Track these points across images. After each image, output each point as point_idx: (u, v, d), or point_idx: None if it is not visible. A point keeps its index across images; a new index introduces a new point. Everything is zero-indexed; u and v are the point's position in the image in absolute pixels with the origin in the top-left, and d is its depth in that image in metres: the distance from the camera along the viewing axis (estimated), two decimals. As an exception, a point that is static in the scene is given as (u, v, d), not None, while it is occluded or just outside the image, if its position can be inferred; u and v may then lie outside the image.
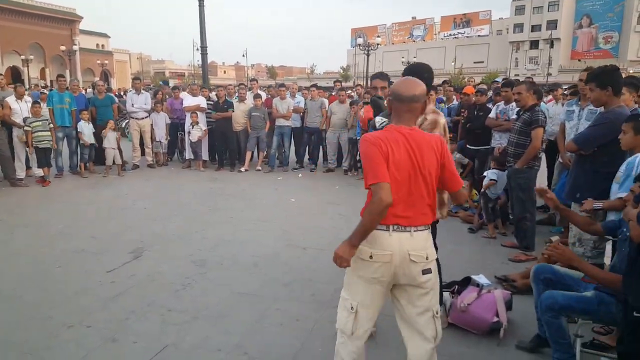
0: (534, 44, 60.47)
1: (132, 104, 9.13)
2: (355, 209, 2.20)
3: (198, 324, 3.16)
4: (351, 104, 8.57)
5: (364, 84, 20.54)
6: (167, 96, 10.31)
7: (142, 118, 9.18)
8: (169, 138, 9.68)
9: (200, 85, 11.39)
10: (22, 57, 43.69)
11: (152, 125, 9.29)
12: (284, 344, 2.92)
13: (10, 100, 7.52)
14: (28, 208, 6.30)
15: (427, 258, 2.03)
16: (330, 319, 3.18)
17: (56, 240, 4.92)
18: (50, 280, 3.91)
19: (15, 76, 47.48)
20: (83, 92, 9.43)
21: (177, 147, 10.23)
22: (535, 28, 59.85)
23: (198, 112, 9.10)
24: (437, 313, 2.09)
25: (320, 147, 9.52)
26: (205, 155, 9.42)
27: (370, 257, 2.01)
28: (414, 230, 2.01)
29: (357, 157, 8.92)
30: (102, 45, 63.84)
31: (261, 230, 5.34)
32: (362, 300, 2.07)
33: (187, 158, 9.52)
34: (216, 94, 9.58)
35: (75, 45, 48.91)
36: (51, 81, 40.69)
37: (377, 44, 35.27)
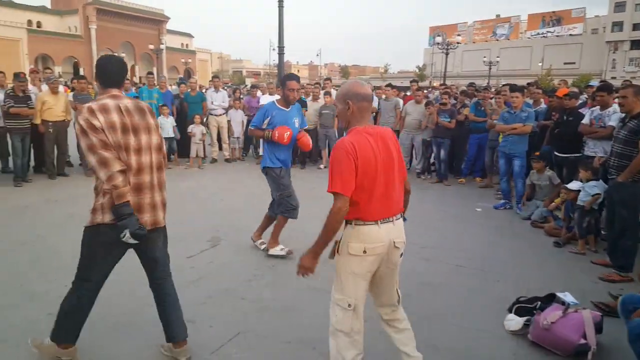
0: (635, 44, 55.41)
1: (212, 101, 9.63)
2: (424, 213, 2.18)
3: (269, 315, 3.28)
4: (427, 104, 8.40)
5: (441, 84, 20.02)
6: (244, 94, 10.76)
7: (220, 114, 9.65)
8: (244, 134, 10.09)
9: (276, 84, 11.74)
10: (115, 54, 47.56)
11: (229, 121, 9.74)
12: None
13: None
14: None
15: (403, 242, 2.29)
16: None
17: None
18: (134, 263, 4.22)
19: (108, 72, 51.87)
20: (169, 88, 10.10)
21: (252, 143, 10.62)
22: (637, 27, 54.82)
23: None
24: (397, 283, 2.40)
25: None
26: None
27: (364, 251, 2.16)
28: (395, 220, 2.24)
29: (431, 160, 8.74)
30: (187, 45, 67.85)
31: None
32: (358, 295, 2.22)
33: (261, 154, 9.84)
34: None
35: (162, 44, 52.38)
36: (140, 77, 43.89)
37: (457, 43, 34.12)
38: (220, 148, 10.02)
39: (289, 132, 4.13)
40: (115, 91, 2.46)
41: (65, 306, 2.51)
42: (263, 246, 4.55)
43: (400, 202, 2.29)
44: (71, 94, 8.06)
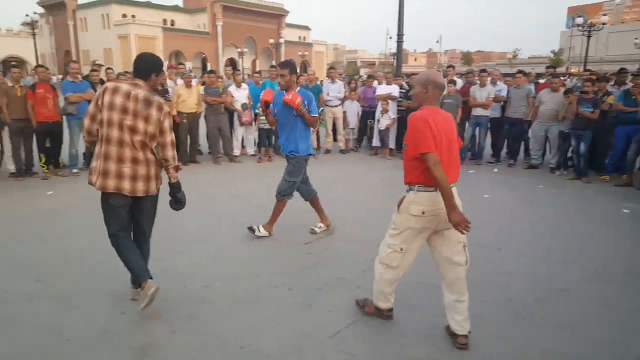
0: None
1: (327, 93, 9.88)
2: (559, 212, 2.03)
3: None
4: (565, 92, 7.67)
5: (581, 69, 18.05)
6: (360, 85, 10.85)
7: (335, 106, 9.86)
8: (359, 125, 10.23)
9: (393, 73, 11.65)
10: (239, 49, 51.04)
11: (344, 112, 9.92)
12: (475, 343, 2.85)
13: (232, 88, 8.93)
14: (240, 180, 7.43)
15: (461, 205, 2.70)
16: (528, 335, 3.00)
17: (262, 211, 5.68)
18: (258, 243, 4.57)
19: (232, 66, 55.95)
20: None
21: (366, 135, 10.71)
22: None
23: (389, 101, 9.34)
24: (465, 244, 2.79)
25: (522, 140, 8.81)
26: (392, 144, 9.65)
27: (423, 213, 2.69)
28: (452, 187, 2.65)
29: (569, 154, 7.99)
30: (303, 37, 70.29)
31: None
32: (409, 244, 2.82)
33: (374, 145, 9.90)
34: (408, 82, 9.67)
35: (282, 38, 54.96)
36: (260, 71, 46.58)
37: (603, 24, 30.40)
38: (335, 139, 10.26)
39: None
40: (138, 81, 3.07)
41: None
42: (321, 229, 4.92)
43: (457, 173, 2.81)
44: (202, 87, 8.87)
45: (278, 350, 2.77)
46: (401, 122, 9.42)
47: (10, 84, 7.14)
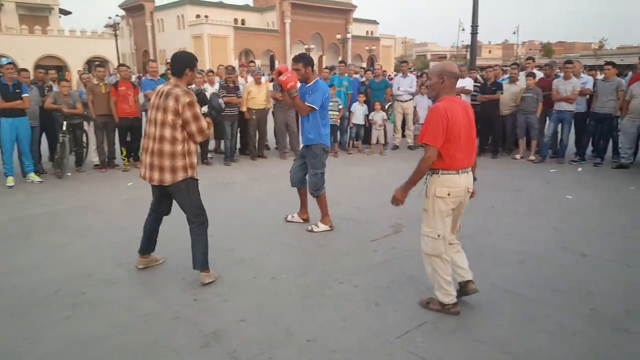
0: None
1: (398, 87, 9.72)
2: None
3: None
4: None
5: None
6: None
7: (406, 100, 9.68)
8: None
9: (468, 66, 11.24)
10: (306, 46, 51.67)
11: (415, 107, 9.71)
12: (556, 355, 2.68)
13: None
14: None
15: (473, 189, 3.09)
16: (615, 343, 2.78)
17: (331, 205, 5.71)
18: (324, 238, 4.60)
19: (299, 63, 56.65)
20: (357, 76, 10.53)
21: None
22: None
23: (463, 95, 9.01)
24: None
25: (610, 137, 8.16)
26: (465, 140, 9.32)
27: (448, 194, 2.93)
28: (469, 170, 3.02)
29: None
30: (371, 32, 69.72)
31: (528, 225, 4.97)
32: (443, 228, 2.99)
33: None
34: (482, 76, 9.29)
35: (349, 33, 54.92)
36: (326, 67, 46.86)
37: None
38: (404, 135, 10.09)
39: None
40: (172, 79, 3.43)
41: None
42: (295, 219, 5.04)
43: (473, 158, 3.06)
44: (271, 84, 9.07)
45: (344, 346, 2.77)
46: (475, 117, 9.05)
47: (95, 82, 7.71)
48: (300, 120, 5.09)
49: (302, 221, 5.06)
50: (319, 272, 3.80)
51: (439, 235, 2.98)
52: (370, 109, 9.32)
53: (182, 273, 3.75)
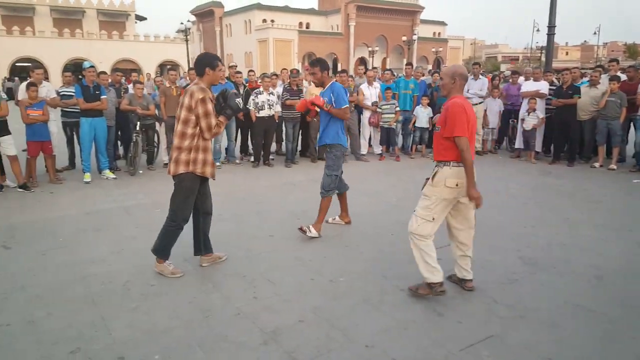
0: None
1: (467, 89, 9.43)
2: None
3: (525, 325, 3.05)
4: None
5: None
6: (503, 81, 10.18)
7: (476, 104, 9.38)
8: (500, 125, 9.63)
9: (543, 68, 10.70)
10: (369, 48, 51.55)
11: (485, 111, 9.39)
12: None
13: (363, 86, 9.06)
14: (366, 179, 7.46)
15: None
16: None
17: (391, 211, 5.67)
18: (385, 243, 4.55)
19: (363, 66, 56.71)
20: (424, 79, 10.36)
21: (507, 135, 10.02)
22: None
23: (537, 99, 8.60)
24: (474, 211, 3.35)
25: None
26: (538, 146, 8.89)
27: (457, 185, 3.16)
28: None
29: None
30: (439, 34, 68.40)
31: (607, 239, 4.65)
32: (440, 213, 3.26)
33: (516, 147, 9.22)
34: (558, 78, 8.81)
35: (415, 34, 54.16)
36: (390, 69, 46.47)
37: None
38: (471, 140, 9.77)
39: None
40: (196, 79, 3.68)
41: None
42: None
43: (473, 152, 3.23)
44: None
45: (404, 355, 2.71)
46: (549, 122, 8.63)
47: (167, 85, 8.12)
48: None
49: (344, 223, 5.11)
50: (379, 278, 3.76)
51: (433, 219, 3.23)
52: (436, 111, 9.12)
53: (242, 271, 3.85)
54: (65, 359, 2.69)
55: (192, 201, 3.73)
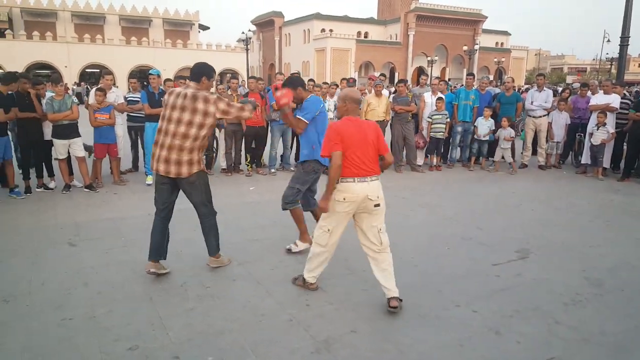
0: None
1: (532, 101, 9.12)
2: None
3: (589, 348, 2.90)
4: None
5: None
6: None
7: (540, 116, 9.05)
8: (565, 139, 9.23)
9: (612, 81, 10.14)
10: (428, 58, 50.86)
11: (550, 123, 9.03)
12: None
13: (427, 95, 9.00)
14: (422, 190, 7.35)
15: (378, 197, 3.36)
16: None
17: (447, 224, 5.56)
18: (441, 257, 4.46)
19: (420, 76, 56.04)
20: (490, 89, 10.07)
21: (572, 150, 9.57)
22: None
23: (607, 112, 8.17)
24: (380, 229, 3.42)
25: None
26: (606, 162, 8.42)
27: (344, 199, 3.33)
28: (370, 180, 3.33)
29: None
30: (501, 43, 66.44)
31: (687, 264, 4.32)
32: (335, 225, 3.46)
33: (583, 162, 8.78)
34: (629, 91, 8.31)
35: (477, 44, 52.85)
36: (449, 79, 45.72)
37: None
38: (535, 153, 9.41)
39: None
40: (190, 83, 3.86)
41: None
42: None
43: (376, 168, 3.39)
44: (392, 96, 9.10)
45: (459, 373, 2.65)
46: (619, 136, 8.16)
47: (229, 93, 8.40)
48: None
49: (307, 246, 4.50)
50: (434, 293, 3.69)
51: (329, 230, 3.48)
52: (498, 124, 8.87)
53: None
54: (124, 355, 2.81)
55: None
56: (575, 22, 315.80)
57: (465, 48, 51.42)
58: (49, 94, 6.88)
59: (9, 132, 6.62)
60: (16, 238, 4.89)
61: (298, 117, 4.32)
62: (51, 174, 7.19)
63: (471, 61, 51.71)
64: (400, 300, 3.38)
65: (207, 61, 4.18)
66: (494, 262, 4.31)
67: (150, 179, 7.51)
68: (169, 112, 3.76)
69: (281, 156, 9.06)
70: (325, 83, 9.31)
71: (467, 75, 9.76)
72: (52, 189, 7.04)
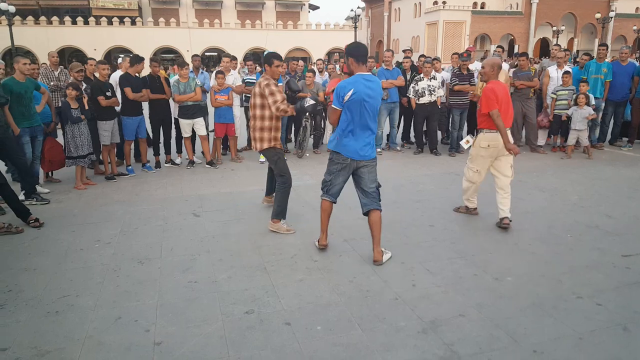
0: None
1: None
2: None
3: None
4: None
5: None
6: None
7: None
8: None
9: None
10: (554, 28, 46.56)
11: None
12: None
13: (551, 69, 8.34)
14: (543, 173, 6.82)
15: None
16: None
17: (570, 210, 5.16)
18: (562, 246, 4.17)
19: (543, 48, 51.65)
20: (634, 60, 8.94)
21: None
22: None
23: None
24: (512, 165, 4.65)
25: None
26: None
27: (488, 146, 4.53)
28: (507, 129, 4.52)
29: None
30: (643, 8, 58.41)
31: None
32: (481, 166, 4.66)
33: None
34: None
35: (612, 11, 47.13)
36: (577, 51, 41.54)
37: None
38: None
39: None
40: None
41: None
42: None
43: (510, 123, 4.56)
44: (512, 70, 8.53)
45: (579, 368, 2.50)
46: None
47: (338, 72, 8.52)
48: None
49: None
50: (553, 282, 3.48)
51: (477, 170, 4.70)
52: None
53: (401, 258, 3.92)
54: (241, 318, 3.08)
55: (286, 163, 4.65)
56: None
57: (598, 16, 46.17)
58: (174, 78, 7.55)
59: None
60: (149, 207, 5.51)
61: (333, 106, 3.81)
62: (179, 151, 7.95)
63: (605, 30, 46.30)
64: (510, 220, 4.51)
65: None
66: (624, 253, 3.93)
67: (263, 157, 7.94)
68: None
69: (387, 135, 9.01)
70: (422, 56, 9.01)
71: (599, 45, 8.78)
72: (178, 164, 7.78)
